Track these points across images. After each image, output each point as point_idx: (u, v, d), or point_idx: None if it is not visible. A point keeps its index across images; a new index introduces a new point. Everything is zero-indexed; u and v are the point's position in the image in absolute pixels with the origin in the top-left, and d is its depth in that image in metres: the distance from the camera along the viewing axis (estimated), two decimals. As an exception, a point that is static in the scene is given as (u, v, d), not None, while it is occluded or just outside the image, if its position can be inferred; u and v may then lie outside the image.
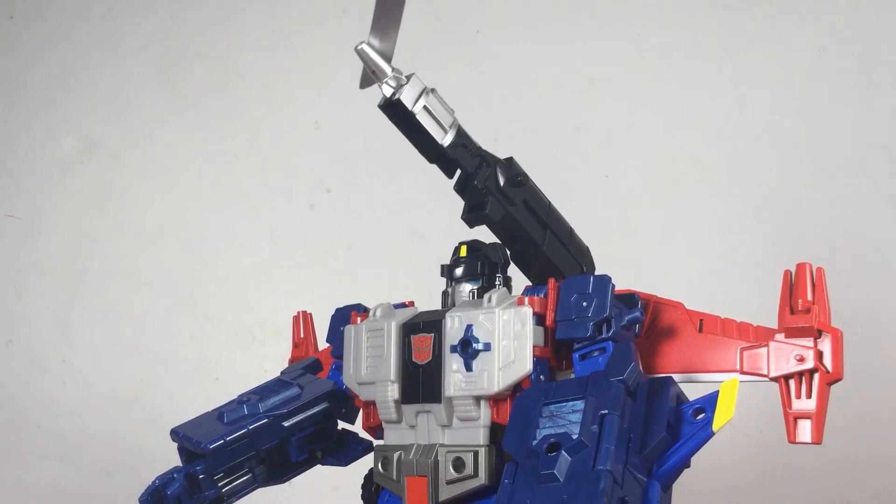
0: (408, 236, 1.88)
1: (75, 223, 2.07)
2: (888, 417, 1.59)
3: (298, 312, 1.08)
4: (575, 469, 0.65)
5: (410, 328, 0.82)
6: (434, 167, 0.81)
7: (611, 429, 0.67)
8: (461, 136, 0.79)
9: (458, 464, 0.77)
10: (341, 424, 0.97)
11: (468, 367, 0.77)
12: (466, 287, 0.85)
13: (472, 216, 0.81)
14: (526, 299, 0.77)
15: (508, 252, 0.86)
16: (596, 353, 0.75)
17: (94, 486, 1.92)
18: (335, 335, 0.96)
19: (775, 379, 0.75)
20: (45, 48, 2.14)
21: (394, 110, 0.77)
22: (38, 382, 2.02)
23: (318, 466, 0.97)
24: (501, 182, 0.80)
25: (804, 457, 1.53)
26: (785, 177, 1.71)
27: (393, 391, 0.82)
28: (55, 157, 2.10)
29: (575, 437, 0.67)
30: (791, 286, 0.77)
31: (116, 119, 2.09)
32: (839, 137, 1.70)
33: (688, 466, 0.72)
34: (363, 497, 0.91)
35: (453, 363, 0.78)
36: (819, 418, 0.72)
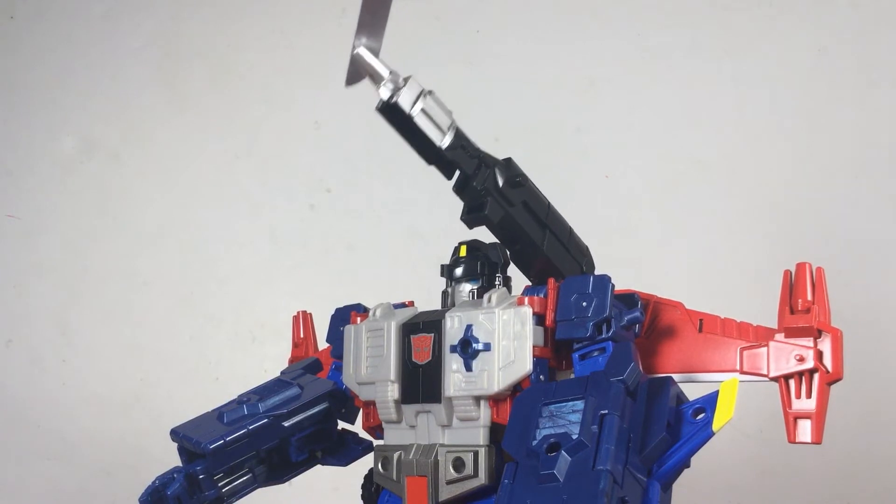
0: (408, 236, 1.88)
1: (75, 223, 2.07)
2: (888, 417, 1.59)
3: (298, 312, 1.08)
4: (575, 469, 0.65)
5: (410, 328, 0.82)
6: (434, 168, 0.81)
7: (611, 429, 0.67)
8: (459, 138, 0.79)
9: (458, 464, 0.77)
10: (341, 424, 0.97)
11: (468, 367, 0.77)
12: (466, 287, 0.85)
13: (471, 217, 0.81)
14: (526, 299, 0.77)
15: (508, 252, 0.86)
16: (596, 353, 0.75)
17: (94, 486, 1.92)
18: (335, 335, 0.96)
19: (775, 379, 0.75)
20: (45, 48, 2.14)
21: (391, 113, 0.77)
22: (38, 382, 2.02)
23: (318, 466, 0.97)
24: (500, 183, 0.80)
25: (804, 457, 1.53)
26: (785, 177, 1.71)
27: (393, 391, 0.82)
28: (55, 157, 2.10)
29: (575, 437, 0.67)
30: (791, 286, 0.77)
31: (116, 119, 2.09)
32: (839, 137, 1.70)
33: (688, 466, 0.72)
34: (363, 497, 0.91)
35: (453, 363, 0.78)
36: (819, 418, 0.72)
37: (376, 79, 0.75)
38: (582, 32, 1.86)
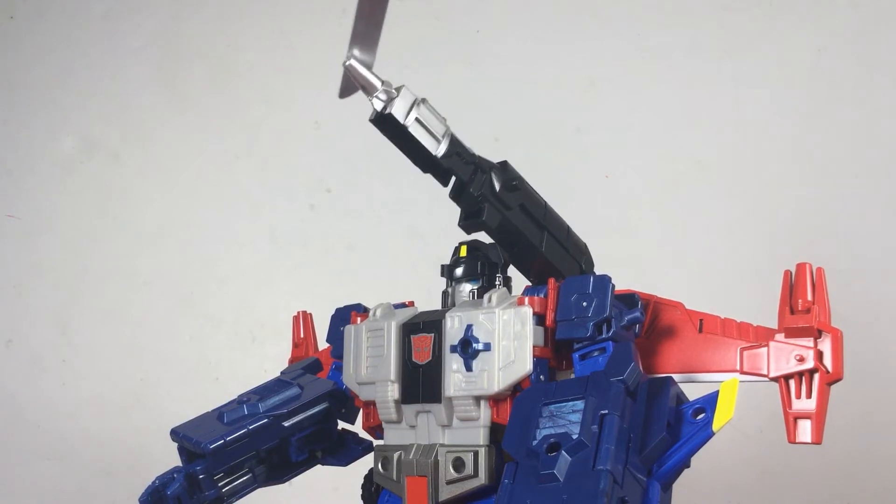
0: (408, 236, 1.88)
1: (75, 223, 2.07)
2: (888, 417, 1.59)
3: (298, 312, 1.08)
4: (575, 469, 0.65)
5: (410, 328, 0.82)
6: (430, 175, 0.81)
7: (611, 429, 0.67)
8: (455, 145, 0.78)
9: (458, 464, 0.77)
10: (341, 424, 0.97)
11: (468, 367, 0.77)
12: (466, 287, 0.85)
13: (468, 223, 0.81)
14: (526, 299, 0.77)
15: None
16: (596, 353, 0.75)
17: (94, 486, 1.92)
18: (335, 335, 0.96)
19: (775, 379, 0.75)
20: (45, 48, 2.14)
21: (386, 124, 0.76)
22: (38, 382, 2.02)
23: (318, 466, 0.97)
24: (497, 187, 0.80)
25: (804, 457, 1.53)
26: (785, 177, 1.71)
27: (393, 391, 0.82)
28: (55, 157, 2.10)
29: (575, 437, 0.67)
30: (791, 286, 0.77)
31: (116, 119, 2.09)
32: (839, 137, 1.70)
33: (688, 466, 0.72)
34: (363, 497, 0.91)
35: (453, 363, 0.78)
36: (819, 418, 0.72)
37: (369, 90, 0.75)
38: (582, 32, 1.86)
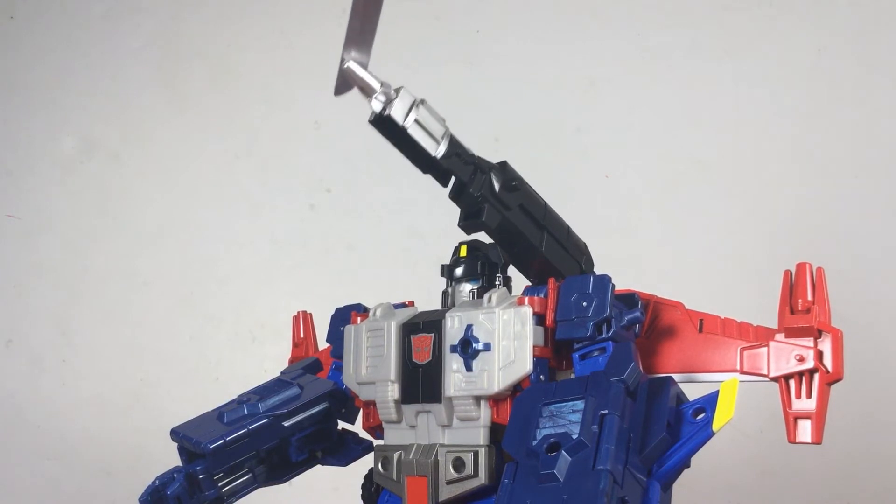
0: (408, 236, 1.88)
1: (75, 223, 2.08)
2: (888, 417, 1.59)
3: (298, 312, 1.08)
4: (575, 469, 0.65)
5: (410, 328, 0.82)
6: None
7: (611, 429, 0.67)
8: (454, 146, 0.78)
9: (458, 464, 0.77)
10: (341, 424, 0.97)
11: (468, 367, 0.77)
12: (466, 287, 0.85)
13: (468, 224, 0.81)
14: (526, 299, 0.77)
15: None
16: (596, 353, 0.75)
17: (94, 486, 1.92)
18: (335, 335, 0.96)
19: (775, 379, 0.75)
20: (45, 48, 2.14)
21: (384, 125, 0.76)
22: (38, 382, 2.02)
23: (318, 466, 0.97)
24: (496, 188, 0.80)
25: (804, 457, 1.53)
26: (785, 177, 1.71)
27: (393, 391, 0.82)
28: (55, 157, 2.10)
29: (575, 437, 0.67)
30: (791, 286, 0.77)
31: (116, 119, 2.09)
32: (839, 137, 1.70)
33: (688, 466, 0.72)
34: (363, 497, 0.91)
35: (453, 363, 0.78)
36: (819, 418, 0.72)
37: (367, 91, 0.75)
38: (582, 32, 1.86)
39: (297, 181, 1.98)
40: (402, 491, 0.80)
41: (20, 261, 2.08)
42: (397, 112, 0.75)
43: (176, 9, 2.09)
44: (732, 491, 1.64)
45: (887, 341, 1.60)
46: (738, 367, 0.77)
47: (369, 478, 0.89)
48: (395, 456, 0.81)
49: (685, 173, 1.77)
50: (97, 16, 2.12)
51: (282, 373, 1.01)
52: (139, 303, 2.01)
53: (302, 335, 1.07)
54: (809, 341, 0.74)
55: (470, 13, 1.93)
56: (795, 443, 0.73)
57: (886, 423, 1.59)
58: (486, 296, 0.79)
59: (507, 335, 0.76)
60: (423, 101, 0.77)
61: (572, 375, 0.77)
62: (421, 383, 0.81)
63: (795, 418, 0.73)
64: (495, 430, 0.77)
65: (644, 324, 0.79)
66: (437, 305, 0.87)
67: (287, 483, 0.96)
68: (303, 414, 0.91)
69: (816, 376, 0.73)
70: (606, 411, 0.68)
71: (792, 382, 0.74)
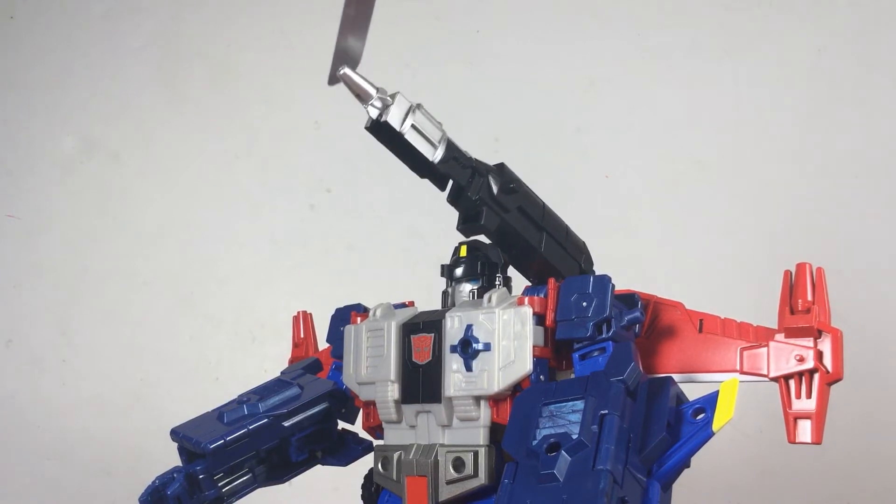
0: (408, 236, 1.88)
1: (75, 223, 2.08)
2: (888, 417, 1.59)
3: (298, 312, 1.08)
4: (575, 469, 0.65)
5: (410, 328, 0.82)
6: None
7: (611, 429, 0.67)
8: (451, 150, 0.78)
9: (458, 464, 0.77)
10: (341, 424, 0.97)
11: (468, 367, 0.77)
12: (466, 287, 0.85)
13: (467, 227, 0.81)
14: (526, 299, 0.77)
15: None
16: (596, 353, 0.75)
17: (94, 486, 1.92)
18: (335, 335, 0.96)
19: (775, 379, 0.75)
20: (45, 48, 2.14)
21: (381, 131, 0.76)
22: (38, 382, 2.02)
23: (318, 466, 0.97)
24: (495, 190, 0.80)
25: (804, 457, 1.53)
26: (785, 177, 1.71)
27: (393, 391, 0.82)
28: (55, 157, 2.10)
29: (575, 437, 0.67)
30: (791, 286, 0.77)
31: (116, 119, 2.09)
32: (839, 137, 1.70)
33: (688, 466, 0.72)
34: (363, 497, 0.91)
35: (453, 363, 0.78)
36: (819, 418, 0.72)
37: (364, 98, 0.75)
38: (582, 32, 1.86)
39: (297, 181, 1.98)
40: (402, 491, 0.80)
41: (20, 261, 2.08)
42: (394, 118, 0.75)
43: (176, 9, 2.09)
44: (732, 491, 1.64)
45: (887, 341, 1.60)
46: (738, 368, 0.77)
47: (369, 478, 0.89)
48: (395, 456, 0.81)
49: (685, 173, 1.77)
50: (97, 16, 2.12)
51: (282, 373, 1.01)
52: (139, 303, 2.01)
53: (302, 335, 1.07)
54: (809, 341, 0.74)
55: (470, 13, 1.93)
56: (795, 443, 0.73)
57: (886, 423, 1.59)
58: (486, 296, 0.79)
59: (507, 335, 0.76)
60: (419, 106, 0.77)
61: (572, 375, 0.76)
62: (421, 383, 0.80)
63: (795, 418, 0.73)
64: (495, 430, 0.77)
65: (644, 324, 0.79)
66: (437, 305, 0.87)
67: (287, 483, 0.96)
68: (303, 414, 0.91)
69: (816, 376, 0.73)
70: (606, 411, 0.68)
71: (792, 382, 0.74)
